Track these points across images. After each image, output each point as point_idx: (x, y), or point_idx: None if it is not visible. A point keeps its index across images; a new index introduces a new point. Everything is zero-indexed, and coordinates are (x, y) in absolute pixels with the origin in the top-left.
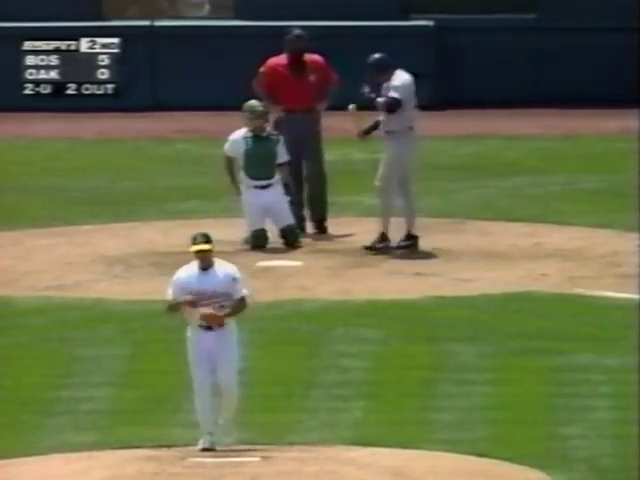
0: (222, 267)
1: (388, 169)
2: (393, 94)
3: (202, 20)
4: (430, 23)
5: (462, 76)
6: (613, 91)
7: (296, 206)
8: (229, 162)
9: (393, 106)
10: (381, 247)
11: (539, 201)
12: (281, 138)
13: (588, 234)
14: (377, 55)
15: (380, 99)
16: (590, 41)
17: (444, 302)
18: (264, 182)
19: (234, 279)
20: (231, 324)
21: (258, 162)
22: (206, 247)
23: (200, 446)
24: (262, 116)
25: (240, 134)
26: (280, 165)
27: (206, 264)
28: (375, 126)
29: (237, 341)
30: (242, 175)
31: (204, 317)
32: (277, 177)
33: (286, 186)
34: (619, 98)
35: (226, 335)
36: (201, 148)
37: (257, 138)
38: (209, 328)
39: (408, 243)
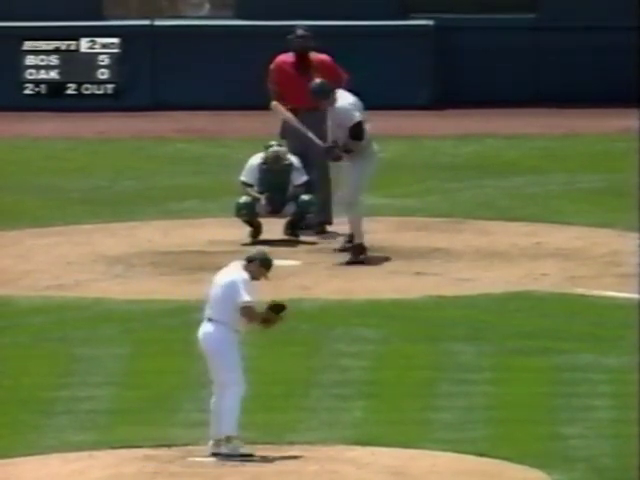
0: None
1: (359, 181)
2: (353, 119)
3: (202, 20)
4: (430, 22)
5: (462, 76)
6: (613, 90)
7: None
8: (246, 188)
9: (359, 132)
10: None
11: (539, 200)
12: (293, 162)
13: (588, 234)
14: (318, 81)
15: (329, 142)
16: (590, 40)
17: (444, 302)
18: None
19: None
20: None
21: (272, 191)
22: None
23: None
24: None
25: (256, 161)
26: (299, 185)
27: None
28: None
29: None
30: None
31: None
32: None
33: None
34: (619, 97)
35: None
36: (201, 148)
37: (271, 169)
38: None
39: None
